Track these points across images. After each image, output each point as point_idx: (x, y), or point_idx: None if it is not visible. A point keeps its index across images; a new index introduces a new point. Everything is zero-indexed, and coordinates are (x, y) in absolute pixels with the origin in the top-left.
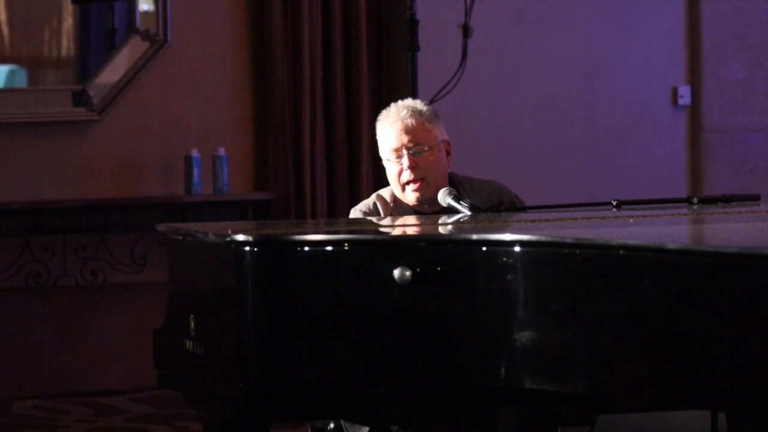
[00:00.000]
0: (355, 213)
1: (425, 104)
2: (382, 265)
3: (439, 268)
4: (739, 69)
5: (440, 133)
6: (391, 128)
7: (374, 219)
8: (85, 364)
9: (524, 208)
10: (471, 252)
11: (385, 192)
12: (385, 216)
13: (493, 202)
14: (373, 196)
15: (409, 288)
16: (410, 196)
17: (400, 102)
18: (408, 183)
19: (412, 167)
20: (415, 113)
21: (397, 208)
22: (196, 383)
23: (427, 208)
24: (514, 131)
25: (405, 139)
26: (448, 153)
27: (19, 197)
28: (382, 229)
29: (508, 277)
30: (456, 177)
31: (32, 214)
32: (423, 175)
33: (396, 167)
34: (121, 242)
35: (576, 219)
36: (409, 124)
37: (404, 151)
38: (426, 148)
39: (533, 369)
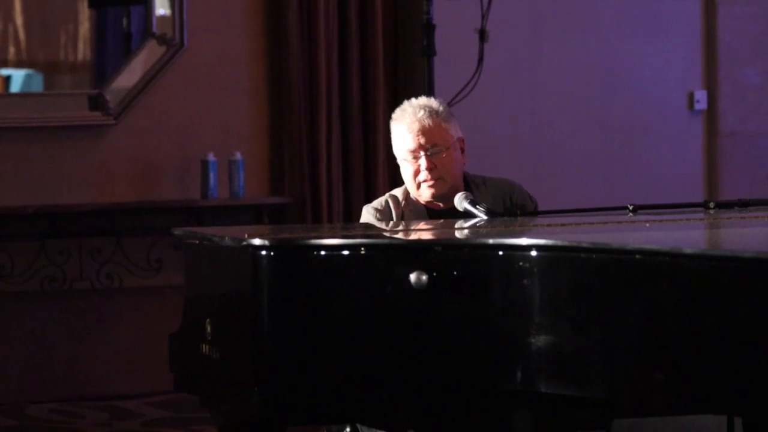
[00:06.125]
0: (368, 210)
1: (440, 102)
2: (399, 270)
3: (455, 273)
4: (756, 74)
5: (456, 131)
6: (408, 129)
7: (387, 222)
8: (100, 368)
9: (540, 213)
10: (487, 256)
11: (397, 192)
12: (397, 215)
13: (506, 201)
14: (386, 195)
15: (425, 292)
16: (425, 193)
17: (414, 101)
18: (424, 182)
19: (430, 168)
20: (432, 114)
21: (408, 206)
22: (212, 387)
23: (441, 206)
24: (530, 135)
25: (422, 140)
26: (462, 150)
27: (35, 201)
28: (398, 234)
29: (525, 281)
30: (470, 176)
31: (48, 218)
32: (440, 175)
33: (412, 167)
34: (137, 246)
35: (592, 223)
36: (427, 125)
37: (421, 152)
38: (443, 149)
39: (549, 373)
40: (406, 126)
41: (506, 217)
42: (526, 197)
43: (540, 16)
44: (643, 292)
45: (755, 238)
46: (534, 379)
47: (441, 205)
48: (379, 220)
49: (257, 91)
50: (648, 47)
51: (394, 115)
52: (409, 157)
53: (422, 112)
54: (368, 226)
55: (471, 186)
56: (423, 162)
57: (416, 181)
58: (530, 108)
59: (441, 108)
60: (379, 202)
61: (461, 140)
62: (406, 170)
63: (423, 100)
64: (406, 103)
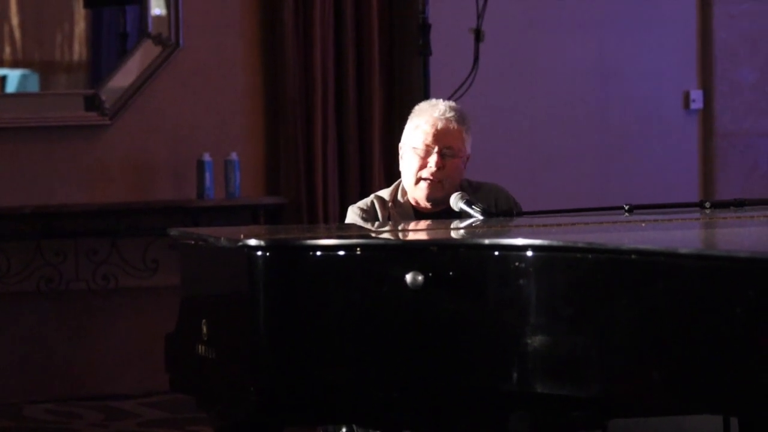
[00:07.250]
0: (353, 210)
1: (466, 114)
2: (395, 270)
3: (451, 273)
4: (751, 72)
5: (469, 146)
6: (431, 123)
7: (372, 224)
8: (96, 368)
9: (536, 213)
10: (483, 256)
11: (383, 193)
12: (383, 217)
13: (491, 205)
14: (372, 196)
15: (421, 292)
16: (421, 192)
17: (445, 101)
18: (426, 179)
19: (438, 168)
20: (459, 120)
21: (395, 207)
22: (208, 387)
23: (430, 208)
24: (526, 135)
25: (441, 137)
26: (464, 165)
27: (31, 201)
28: (394, 234)
29: (521, 281)
30: (463, 182)
31: (44, 218)
32: (442, 178)
33: (418, 161)
34: (133, 246)
35: (588, 223)
36: (451, 127)
37: (435, 148)
38: (455, 155)
39: (545, 373)
40: (431, 119)
41: (501, 218)
42: (512, 203)
43: (535, 16)
44: (639, 292)
45: (751, 238)
46: (530, 379)
47: (429, 206)
48: (364, 220)
49: (253, 91)
50: (643, 46)
51: (419, 106)
52: (421, 148)
53: (452, 113)
54: (363, 227)
55: (466, 191)
56: (433, 158)
57: (417, 175)
58: (525, 107)
59: (467, 119)
60: (364, 203)
61: (468, 156)
62: (411, 162)
63: (453, 104)
64: (436, 100)
